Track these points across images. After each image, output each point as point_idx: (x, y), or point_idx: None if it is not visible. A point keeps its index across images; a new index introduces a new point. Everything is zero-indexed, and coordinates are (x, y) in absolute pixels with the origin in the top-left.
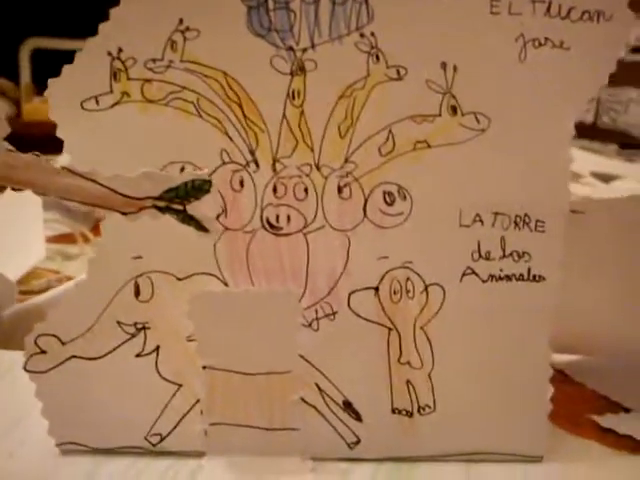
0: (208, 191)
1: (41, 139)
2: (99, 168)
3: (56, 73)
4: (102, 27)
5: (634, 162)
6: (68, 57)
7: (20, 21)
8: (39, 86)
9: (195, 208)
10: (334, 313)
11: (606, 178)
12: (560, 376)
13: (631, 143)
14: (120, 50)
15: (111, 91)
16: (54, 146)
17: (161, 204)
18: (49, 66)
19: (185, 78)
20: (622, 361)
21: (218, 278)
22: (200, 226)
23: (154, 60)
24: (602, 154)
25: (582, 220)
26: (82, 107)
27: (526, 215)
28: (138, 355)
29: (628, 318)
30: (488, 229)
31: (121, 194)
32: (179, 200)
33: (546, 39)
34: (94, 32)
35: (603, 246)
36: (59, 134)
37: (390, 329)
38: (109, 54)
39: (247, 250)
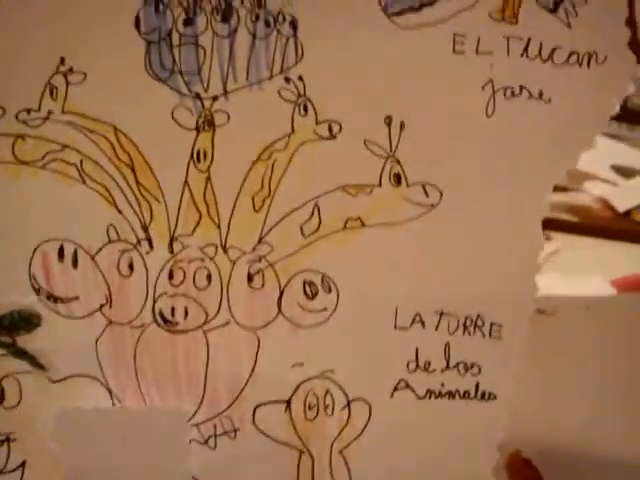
0: (38, 324)
1: None
2: None
3: None
4: None
5: None
6: None
7: None
8: None
9: (28, 341)
10: (235, 430)
11: (628, 173)
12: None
13: None
14: None
15: None
16: None
17: None
18: None
19: (67, 134)
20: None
21: (99, 381)
22: (35, 362)
23: (29, 111)
24: (629, 141)
25: (551, 323)
26: None
27: (479, 316)
28: None
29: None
30: (430, 333)
31: None
32: (5, 332)
33: (521, 88)
34: None
35: (574, 351)
36: None
37: (302, 452)
38: None
39: (135, 349)
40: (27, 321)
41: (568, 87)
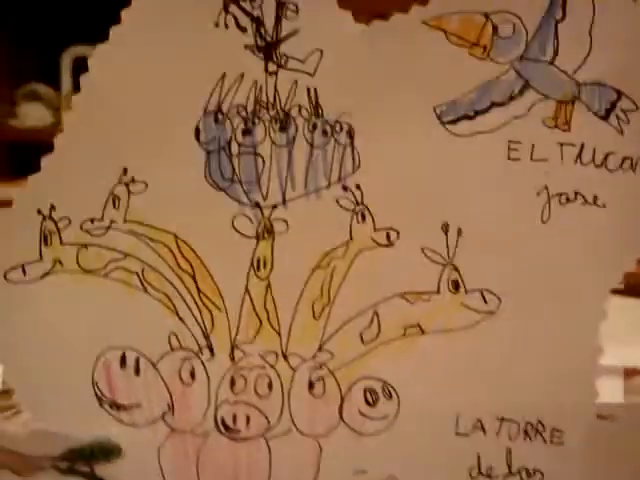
0: (119, 455)
1: None
2: (22, 354)
3: None
4: (32, 179)
5: None
6: None
7: (62, 29)
8: None
9: (107, 469)
10: None
11: None
12: None
13: None
14: (52, 208)
15: (41, 258)
16: None
17: (62, 465)
18: None
19: (128, 242)
20: None
21: None
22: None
23: (92, 220)
24: None
25: (612, 428)
26: (6, 278)
27: (539, 422)
28: None
29: None
30: (491, 439)
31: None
32: (85, 462)
33: (576, 194)
34: None
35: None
36: None
37: None
38: (39, 213)
39: (197, 457)
40: (108, 453)
41: (623, 192)
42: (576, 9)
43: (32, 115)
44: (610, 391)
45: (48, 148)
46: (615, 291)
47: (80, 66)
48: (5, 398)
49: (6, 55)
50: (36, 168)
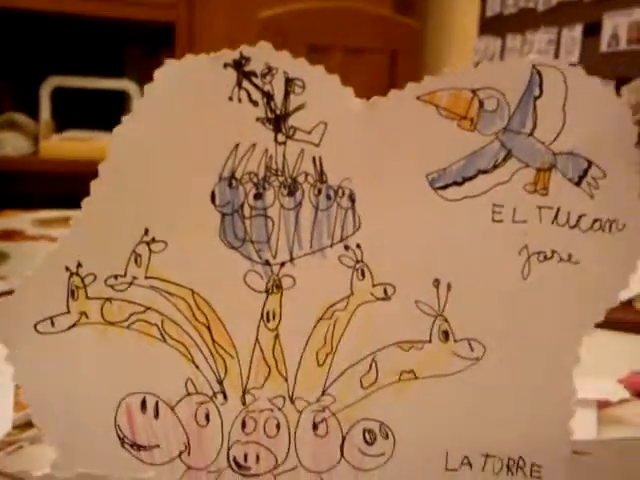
0: None
1: (58, 176)
2: (50, 399)
3: (76, 111)
4: (61, 239)
5: None
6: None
7: (41, 59)
8: (59, 124)
9: None
10: None
11: None
12: None
13: None
14: (79, 265)
15: (68, 311)
16: (70, 184)
17: None
18: (69, 104)
19: (149, 297)
20: None
21: None
22: None
23: (116, 276)
24: None
25: (587, 462)
26: (36, 329)
27: (520, 458)
28: None
29: None
30: (477, 473)
31: None
32: None
33: (553, 252)
34: (112, 73)
35: None
36: (8, 361)
37: None
38: (67, 269)
39: None
40: None
41: (594, 250)
42: (551, 87)
43: (10, 144)
44: (585, 423)
45: (28, 177)
46: None
47: (59, 96)
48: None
49: None
50: (13, 197)
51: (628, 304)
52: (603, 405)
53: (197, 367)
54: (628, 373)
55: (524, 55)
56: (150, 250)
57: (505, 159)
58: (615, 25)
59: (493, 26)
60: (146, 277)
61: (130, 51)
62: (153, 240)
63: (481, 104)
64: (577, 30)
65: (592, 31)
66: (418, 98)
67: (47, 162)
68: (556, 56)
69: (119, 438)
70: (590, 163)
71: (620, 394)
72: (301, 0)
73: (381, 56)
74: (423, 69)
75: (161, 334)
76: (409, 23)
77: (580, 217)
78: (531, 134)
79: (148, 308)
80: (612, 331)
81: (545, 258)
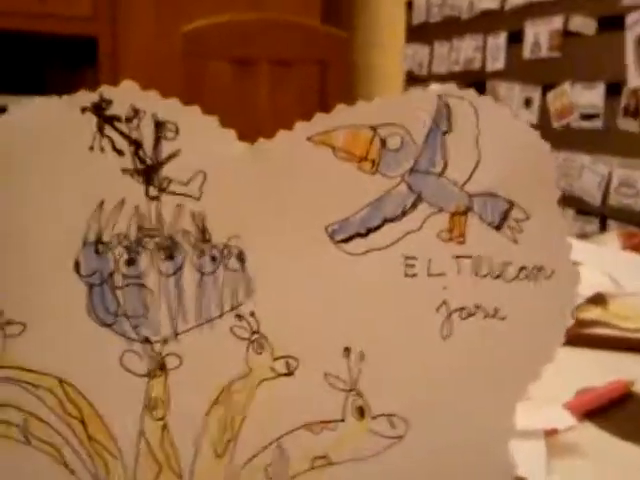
0: None
1: None
2: None
3: None
4: None
5: (591, 240)
6: None
7: None
8: None
9: None
10: None
11: None
12: None
13: (586, 209)
14: None
15: None
16: None
17: None
18: None
19: (7, 391)
20: None
21: None
22: None
23: None
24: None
25: None
26: None
27: None
28: None
29: None
30: None
31: None
32: None
33: (477, 307)
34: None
35: None
36: None
37: None
38: None
39: None
40: None
41: (522, 303)
42: (461, 120)
43: None
44: (533, 455)
45: None
46: None
47: None
48: None
49: None
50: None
51: None
52: (550, 433)
53: (72, 472)
54: (574, 394)
55: (452, 62)
56: (5, 334)
57: (414, 204)
58: (536, 33)
59: (420, 34)
60: (1, 367)
61: (51, 68)
62: (8, 323)
63: (383, 143)
64: (501, 37)
65: (515, 39)
66: (309, 139)
67: None
68: (483, 62)
69: None
70: (511, 204)
71: (567, 422)
72: (225, 12)
73: (310, 68)
74: (353, 79)
75: (24, 435)
76: (337, 34)
77: (504, 266)
78: (442, 174)
79: (5, 405)
80: None
81: (468, 315)
